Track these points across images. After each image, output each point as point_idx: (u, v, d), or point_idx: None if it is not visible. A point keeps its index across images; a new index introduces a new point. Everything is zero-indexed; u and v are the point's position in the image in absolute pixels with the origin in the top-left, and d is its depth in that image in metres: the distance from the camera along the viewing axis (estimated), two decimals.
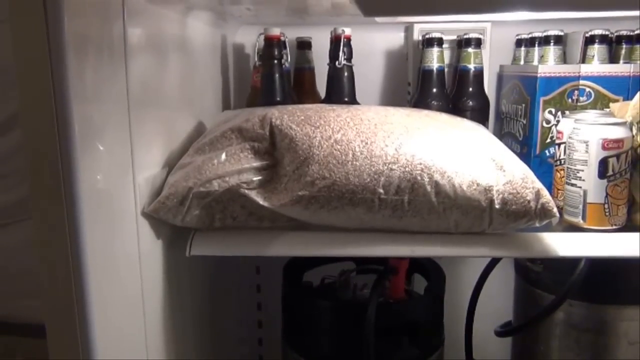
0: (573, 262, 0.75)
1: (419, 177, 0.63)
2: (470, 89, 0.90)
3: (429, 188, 0.62)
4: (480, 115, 0.90)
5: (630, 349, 0.77)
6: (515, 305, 0.92)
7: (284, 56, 0.89)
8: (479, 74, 0.90)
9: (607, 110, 0.81)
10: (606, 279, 0.76)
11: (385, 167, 0.63)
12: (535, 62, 0.91)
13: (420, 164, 0.63)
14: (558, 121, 0.83)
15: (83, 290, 0.49)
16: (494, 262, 0.88)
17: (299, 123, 0.66)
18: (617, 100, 0.83)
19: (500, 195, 0.62)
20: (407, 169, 0.63)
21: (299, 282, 0.85)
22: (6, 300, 1.09)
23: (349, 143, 0.64)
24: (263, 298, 1.21)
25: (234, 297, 1.16)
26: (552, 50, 0.86)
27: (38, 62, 0.45)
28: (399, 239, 0.66)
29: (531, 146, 0.86)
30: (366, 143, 0.64)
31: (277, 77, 0.87)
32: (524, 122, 0.88)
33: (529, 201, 0.62)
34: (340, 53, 0.86)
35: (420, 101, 0.90)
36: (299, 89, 0.98)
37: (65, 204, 0.47)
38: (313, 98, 0.97)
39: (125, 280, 0.57)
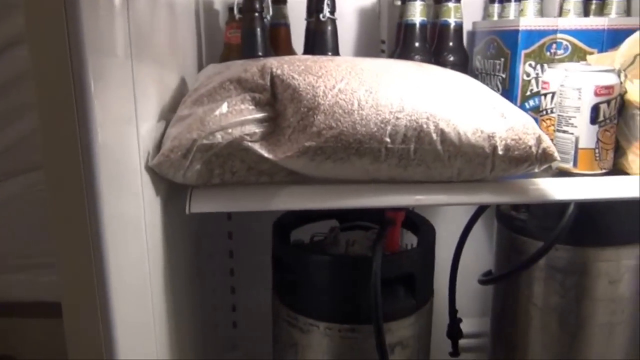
0: (559, 207, 0.77)
1: (424, 126, 0.62)
2: (451, 44, 0.91)
3: (434, 136, 0.62)
4: (461, 70, 0.90)
5: (610, 287, 0.82)
6: (498, 254, 0.95)
7: (265, 9, 0.86)
8: (459, 28, 0.91)
9: (584, 62, 0.84)
10: (588, 222, 0.80)
11: (392, 116, 0.62)
12: (512, 17, 0.93)
13: (426, 112, 0.63)
14: (537, 74, 0.86)
15: (102, 252, 0.45)
16: (478, 213, 0.90)
17: (300, 72, 0.64)
18: (592, 53, 0.85)
19: (503, 142, 0.63)
20: (413, 117, 0.62)
21: (287, 241, 0.84)
22: None
23: (353, 92, 0.63)
24: (236, 264, 1.19)
25: (207, 263, 1.13)
26: (531, 4, 0.88)
27: (53, 14, 0.41)
28: (402, 189, 0.66)
29: (511, 99, 0.87)
30: (370, 92, 0.63)
31: (259, 31, 0.84)
32: (504, 76, 0.89)
33: (530, 147, 0.64)
34: (325, 5, 0.84)
35: (402, 56, 0.89)
36: (274, 47, 0.95)
37: (82, 161, 0.43)
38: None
39: (134, 240, 0.54)
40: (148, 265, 0.58)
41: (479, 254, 1.03)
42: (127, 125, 0.52)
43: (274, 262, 0.83)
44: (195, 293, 0.98)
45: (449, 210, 1.08)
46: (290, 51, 0.97)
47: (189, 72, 0.82)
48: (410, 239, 0.91)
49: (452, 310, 0.95)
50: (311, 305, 0.77)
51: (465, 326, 1.03)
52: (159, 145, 0.60)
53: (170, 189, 0.65)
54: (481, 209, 0.91)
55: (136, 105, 0.53)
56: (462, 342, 1.05)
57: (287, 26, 0.95)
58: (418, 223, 0.85)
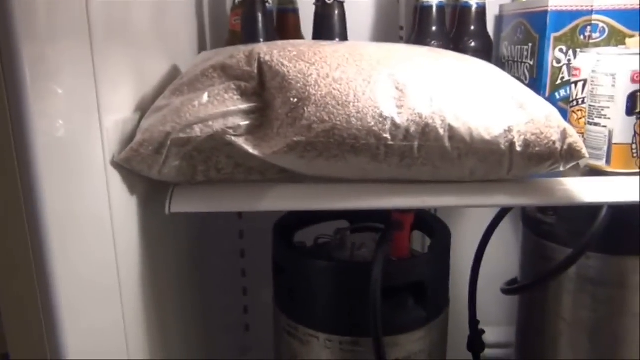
0: (589, 210, 0.68)
1: (430, 120, 0.55)
2: (472, 28, 0.83)
3: (441, 132, 0.55)
4: (483, 57, 0.81)
5: None
6: (523, 260, 0.86)
7: None
8: (482, 11, 0.83)
9: (621, 46, 0.74)
10: (624, 228, 0.70)
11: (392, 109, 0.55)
12: None
13: (432, 104, 0.55)
14: (569, 60, 0.77)
15: (45, 261, 0.40)
16: (501, 216, 0.82)
17: (291, 59, 0.57)
18: (632, 36, 0.76)
19: (522, 137, 0.55)
20: (417, 110, 0.55)
21: (290, 242, 0.77)
22: None
23: (349, 82, 0.56)
24: (247, 264, 1.13)
25: (217, 264, 1.08)
26: None
27: None
28: (407, 190, 0.59)
29: (540, 88, 0.79)
30: (369, 82, 0.56)
31: (260, 16, 0.78)
32: (531, 63, 0.81)
33: (554, 142, 0.55)
34: None
35: (418, 41, 0.81)
36: (282, 33, 0.89)
37: (17, 158, 0.38)
38: None
39: (96, 244, 0.49)
40: (116, 265, 0.52)
41: (504, 258, 0.94)
42: (84, 116, 0.46)
43: (274, 266, 0.77)
44: (200, 294, 0.93)
45: (470, 211, 0.99)
46: (299, 39, 0.90)
47: (184, 60, 0.77)
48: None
49: (473, 321, 0.87)
50: (310, 314, 0.70)
51: (489, 336, 0.94)
52: (132, 139, 0.55)
53: (154, 187, 0.60)
54: (504, 211, 0.82)
55: (98, 95, 0.48)
56: (486, 353, 0.96)
57: (295, 12, 0.89)
58: (432, 224, 0.77)
